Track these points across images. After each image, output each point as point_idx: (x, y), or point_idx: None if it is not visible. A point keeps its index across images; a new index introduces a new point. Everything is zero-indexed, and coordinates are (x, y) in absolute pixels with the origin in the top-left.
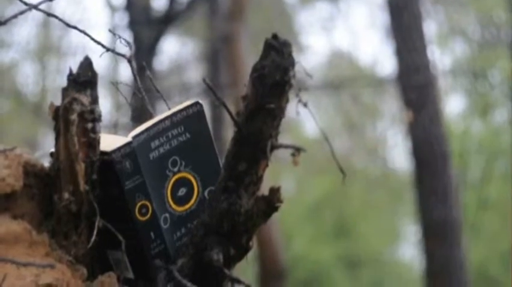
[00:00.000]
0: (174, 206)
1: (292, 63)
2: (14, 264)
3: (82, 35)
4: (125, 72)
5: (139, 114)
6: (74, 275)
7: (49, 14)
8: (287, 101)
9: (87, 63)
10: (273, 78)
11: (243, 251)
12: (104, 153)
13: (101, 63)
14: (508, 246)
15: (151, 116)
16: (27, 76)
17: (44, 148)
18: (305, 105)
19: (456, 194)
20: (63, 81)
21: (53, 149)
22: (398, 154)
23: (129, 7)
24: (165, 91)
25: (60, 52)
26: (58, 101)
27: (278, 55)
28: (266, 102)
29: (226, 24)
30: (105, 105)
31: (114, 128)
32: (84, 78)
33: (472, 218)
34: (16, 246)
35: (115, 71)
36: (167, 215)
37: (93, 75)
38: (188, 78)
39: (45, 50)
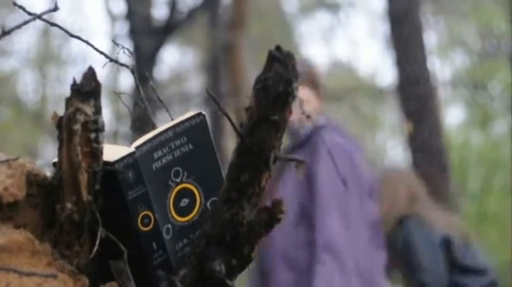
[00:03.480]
0: (176, 216)
1: (295, 75)
2: (17, 273)
3: (82, 44)
4: (125, 81)
5: (141, 124)
6: (76, 285)
7: (52, 24)
8: (290, 112)
9: (90, 74)
10: (276, 90)
11: (245, 262)
12: (106, 163)
13: (100, 72)
14: (507, 257)
15: (153, 127)
16: (27, 84)
17: (44, 156)
18: (308, 117)
19: (455, 205)
20: (63, 90)
21: (55, 159)
22: (398, 164)
23: (130, 16)
24: (165, 101)
25: (60, 61)
26: (58, 110)
27: (281, 67)
28: (269, 114)
29: (227, 34)
30: (105, 114)
31: (114, 138)
32: (87, 89)
33: (471, 230)
34: (19, 255)
35: (115, 81)
36: (169, 225)
37: (97, 85)
38: (188, 88)
39: (45, 59)
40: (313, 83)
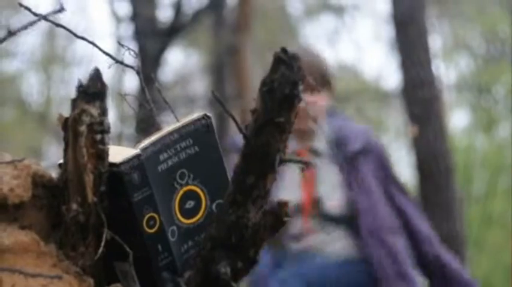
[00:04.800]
0: (181, 218)
1: (301, 77)
2: (22, 274)
3: (87, 45)
4: (130, 83)
5: (146, 126)
6: (81, 286)
7: (58, 25)
8: (296, 115)
9: (96, 75)
10: (282, 92)
11: (250, 265)
12: (112, 165)
13: (106, 74)
14: (511, 260)
15: (158, 128)
16: (32, 86)
17: (48, 157)
18: (314, 120)
19: (460, 208)
20: (68, 91)
21: (61, 160)
22: (403, 167)
23: (135, 18)
24: (170, 102)
25: (65, 62)
26: (62, 111)
27: (287, 69)
28: (275, 116)
29: (232, 36)
30: (110, 116)
31: (119, 139)
32: (93, 90)
33: (476, 233)
34: (24, 256)
35: (120, 82)
36: (175, 227)
37: (103, 87)
38: (193, 90)
39: (50, 60)
40: (324, 84)
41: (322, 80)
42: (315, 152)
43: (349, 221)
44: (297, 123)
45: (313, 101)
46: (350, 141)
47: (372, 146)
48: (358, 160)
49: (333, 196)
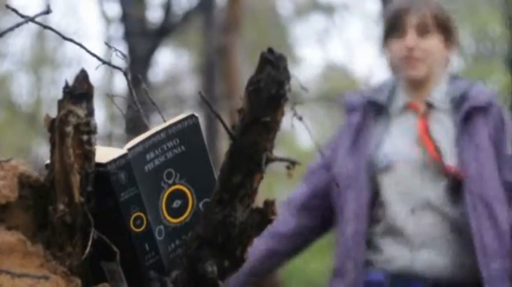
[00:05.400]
0: (168, 218)
1: (287, 77)
2: (9, 275)
3: (76, 46)
4: (119, 83)
5: (134, 126)
6: (68, 286)
7: (45, 27)
8: (282, 114)
9: (83, 76)
10: (268, 92)
11: (237, 263)
12: (99, 165)
13: (95, 74)
14: None
15: (146, 129)
16: (22, 87)
17: (38, 158)
18: (300, 119)
19: None
20: (58, 92)
21: (48, 161)
22: None
23: (125, 19)
24: (159, 103)
25: (55, 63)
26: (52, 112)
27: (274, 69)
28: (261, 116)
29: (222, 37)
30: (99, 116)
31: (108, 140)
32: (80, 91)
33: None
34: (11, 257)
35: (109, 82)
36: (162, 227)
37: (89, 88)
38: (183, 90)
39: (40, 61)
40: (445, 29)
41: (436, 23)
42: (431, 105)
43: (457, 186)
44: (409, 70)
45: (425, 45)
46: (472, 96)
47: (495, 107)
48: (476, 117)
49: (449, 155)
